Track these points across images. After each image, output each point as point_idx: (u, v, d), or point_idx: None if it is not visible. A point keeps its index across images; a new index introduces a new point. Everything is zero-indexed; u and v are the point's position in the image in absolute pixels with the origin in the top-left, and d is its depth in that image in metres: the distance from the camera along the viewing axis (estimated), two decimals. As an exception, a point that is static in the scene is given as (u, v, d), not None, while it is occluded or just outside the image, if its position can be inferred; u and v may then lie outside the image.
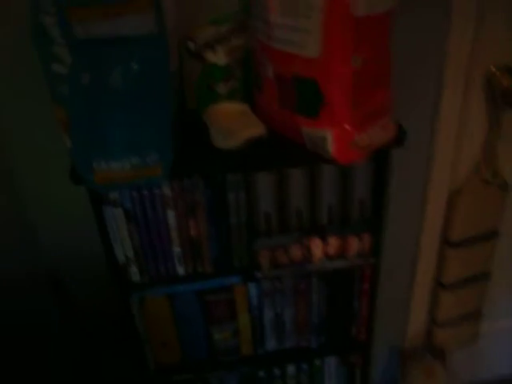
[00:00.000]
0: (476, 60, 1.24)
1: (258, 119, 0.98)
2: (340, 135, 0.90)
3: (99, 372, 1.48)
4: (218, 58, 1.02)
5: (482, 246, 1.50)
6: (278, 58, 0.90)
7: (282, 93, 0.93)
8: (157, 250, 1.13)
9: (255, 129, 0.95)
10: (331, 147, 0.91)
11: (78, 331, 1.44)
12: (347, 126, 0.88)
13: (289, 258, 1.12)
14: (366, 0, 0.80)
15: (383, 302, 1.37)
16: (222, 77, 1.04)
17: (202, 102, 1.05)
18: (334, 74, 0.85)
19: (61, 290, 1.41)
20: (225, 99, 1.05)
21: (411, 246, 1.54)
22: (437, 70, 1.22)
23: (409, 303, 1.64)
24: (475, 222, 1.44)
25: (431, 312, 1.66)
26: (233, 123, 0.95)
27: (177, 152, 0.94)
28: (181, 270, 1.17)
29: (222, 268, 1.17)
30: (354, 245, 1.12)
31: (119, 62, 0.82)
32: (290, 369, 1.41)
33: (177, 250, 1.13)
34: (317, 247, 1.11)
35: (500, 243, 1.53)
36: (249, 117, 0.97)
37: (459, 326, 1.66)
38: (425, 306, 1.64)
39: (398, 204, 1.42)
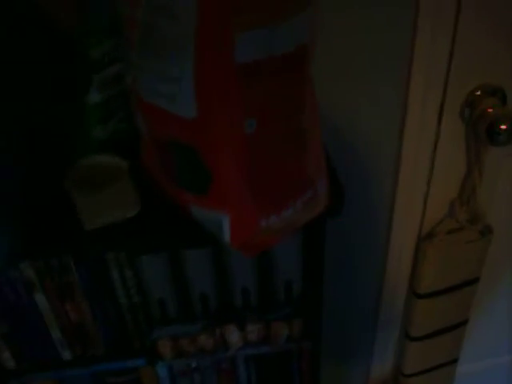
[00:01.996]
0: (454, 78, 0.96)
1: (135, 189, 0.73)
2: (238, 220, 0.61)
3: None
4: (90, 93, 0.73)
5: (457, 295, 1.22)
6: (149, 114, 0.61)
7: (162, 158, 0.65)
8: (31, 336, 0.91)
9: (124, 209, 0.67)
10: (229, 234, 0.63)
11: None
12: (246, 209, 0.60)
13: (197, 348, 0.85)
14: (258, 37, 0.50)
15: (345, 352, 1.20)
16: (98, 117, 0.78)
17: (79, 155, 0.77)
18: (218, 142, 0.56)
19: None
20: (107, 146, 0.79)
21: (373, 293, 1.30)
22: (401, 88, 0.92)
23: (372, 353, 1.38)
24: (448, 272, 1.18)
25: (398, 362, 1.40)
26: (99, 195, 0.69)
27: (20, 237, 0.70)
28: (66, 355, 0.94)
29: (120, 350, 0.94)
30: (282, 330, 0.85)
31: None
32: None
33: (56, 335, 0.90)
34: (232, 335, 0.84)
35: (480, 287, 1.26)
36: (122, 184, 0.68)
37: (430, 374, 1.40)
38: (390, 357, 1.38)
39: (356, 248, 1.18)
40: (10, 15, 0.67)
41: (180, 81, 0.55)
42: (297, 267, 0.83)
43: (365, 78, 0.92)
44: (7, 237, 0.68)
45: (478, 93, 0.98)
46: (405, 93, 0.95)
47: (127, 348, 0.93)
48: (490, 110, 0.96)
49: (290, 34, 0.54)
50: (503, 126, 0.94)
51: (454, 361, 1.43)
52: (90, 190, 0.70)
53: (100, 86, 0.75)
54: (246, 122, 0.56)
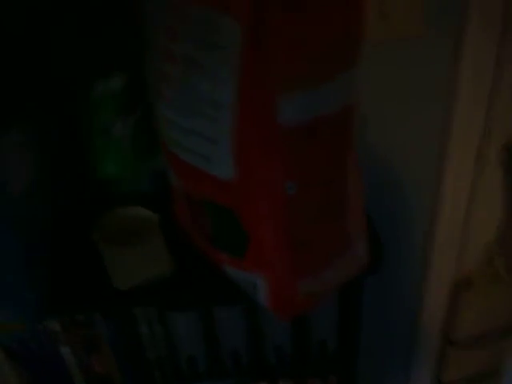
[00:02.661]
0: (494, 121, 0.92)
1: (167, 245, 0.69)
2: (275, 283, 0.58)
3: None
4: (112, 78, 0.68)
5: (494, 343, 1.17)
6: (182, 171, 0.58)
7: (195, 215, 0.62)
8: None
9: (157, 265, 0.68)
10: (265, 297, 0.60)
11: None
12: (284, 272, 0.57)
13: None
14: (301, 99, 0.47)
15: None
16: (118, 109, 0.70)
17: (96, 158, 0.74)
18: (257, 204, 0.53)
19: None
20: (127, 148, 0.73)
21: (406, 340, 1.24)
22: (440, 130, 0.89)
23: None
24: (485, 320, 1.12)
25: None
26: (129, 252, 0.67)
27: (43, 294, 0.67)
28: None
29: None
30: (317, 388, 0.81)
31: None
32: None
33: (82, 387, 0.85)
34: (266, 392, 0.80)
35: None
36: (153, 239, 0.66)
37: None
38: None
39: (390, 294, 1.13)
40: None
41: (218, 141, 0.53)
42: (332, 324, 0.79)
43: (403, 121, 0.89)
44: (35, 293, 0.66)
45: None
46: (444, 135, 0.92)
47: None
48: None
49: (334, 94, 0.51)
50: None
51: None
52: (119, 245, 0.67)
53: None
54: (287, 184, 0.53)
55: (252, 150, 0.52)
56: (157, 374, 0.85)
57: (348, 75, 0.52)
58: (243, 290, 0.65)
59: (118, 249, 0.67)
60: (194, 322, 0.78)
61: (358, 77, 0.53)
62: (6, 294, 0.61)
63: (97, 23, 0.64)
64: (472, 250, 1.08)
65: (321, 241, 0.59)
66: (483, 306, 1.12)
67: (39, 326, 0.78)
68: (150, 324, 0.79)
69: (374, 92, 0.79)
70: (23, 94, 0.64)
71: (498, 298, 1.11)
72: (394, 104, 0.85)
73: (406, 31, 0.78)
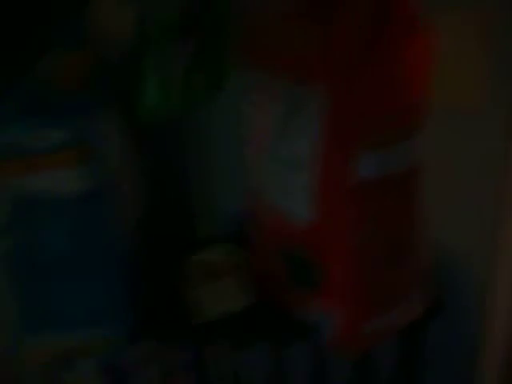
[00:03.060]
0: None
1: (243, 283, 0.77)
2: (343, 321, 0.66)
3: None
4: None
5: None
6: (264, 216, 0.68)
7: (272, 256, 0.71)
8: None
9: (232, 302, 0.74)
10: (331, 335, 0.67)
11: None
12: (352, 312, 0.65)
13: None
14: (373, 158, 0.56)
15: None
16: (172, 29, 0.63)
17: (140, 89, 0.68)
18: (331, 247, 0.62)
19: None
20: (175, 78, 0.69)
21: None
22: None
23: None
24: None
25: None
26: (208, 289, 0.75)
27: (137, 319, 0.74)
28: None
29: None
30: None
31: (50, 222, 0.65)
32: None
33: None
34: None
35: None
36: (231, 278, 0.75)
37: None
38: None
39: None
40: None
41: (301, 191, 0.62)
42: (394, 368, 0.85)
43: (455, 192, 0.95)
44: (131, 316, 0.74)
45: None
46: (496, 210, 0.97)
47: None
48: None
49: (403, 156, 0.60)
50: None
51: None
52: (200, 281, 0.76)
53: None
54: (359, 231, 0.61)
55: (329, 200, 0.60)
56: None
57: (412, 140, 0.61)
58: (311, 329, 0.73)
59: (198, 284, 0.76)
60: (261, 358, 0.85)
61: (420, 141, 0.62)
62: (107, 314, 0.70)
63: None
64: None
65: (387, 284, 0.66)
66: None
67: (127, 348, 0.87)
68: (220, 359, 0.86)
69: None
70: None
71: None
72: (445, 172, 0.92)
73: (465, 104, 0.86)
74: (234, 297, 0.75)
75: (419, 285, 0.71)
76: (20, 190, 0.61)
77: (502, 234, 0.96)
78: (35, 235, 0.66)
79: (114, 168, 0.64)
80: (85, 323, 0.72)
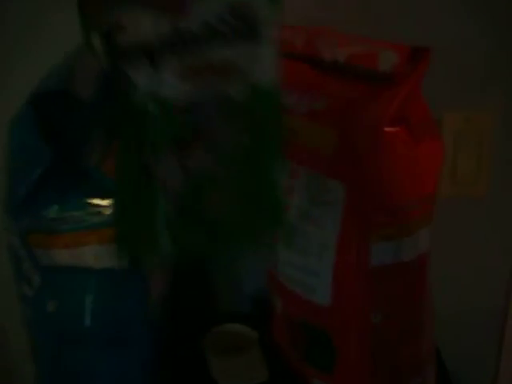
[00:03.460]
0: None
1: (263, 358, 0.82)
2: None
3: None
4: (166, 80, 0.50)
5: None
6: (285, 295, 0.73)
7: (291, 334, 0.75)
8: None
9: (254, 376, 0.78)
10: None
11: None
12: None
13: None
14: (387, 247, 0.62)
15: None
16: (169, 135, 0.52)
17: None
18: (348, 328, 0.66)
19: None
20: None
21: None
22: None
23: None
24: None
25: None
26: (230, 363, 0.79)
27: None
28: None
29: None
30: None
31: (86, 295, 0.68)
32: None
33: None
34: None
35: None
36: (252, 353, 0.79)
37: None
38: None
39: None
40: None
41: (319, 275, 0.67)
42: None
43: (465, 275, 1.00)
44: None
45: None
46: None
47: None
48: None
49: (414, 244, 0.66)
50: None
51: None
52: (222, 356, 0.81)
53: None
54: (373, 313, 0.66)
55: (347, 283, 0.66)
56: None
57: (426, 229, 0.67)
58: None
59: (221, 359, 0.81)
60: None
61: (430, 231, 0.68)
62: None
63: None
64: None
65: (398, 362, 0.71)
66: None
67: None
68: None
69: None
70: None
71: None
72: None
73: (472, 192, 0.93)
74: (251, 372, 0.79)
75: (429, 363, 0.75)
76: (64, 261, 0.66)
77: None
78: (70, 306, 0.71)
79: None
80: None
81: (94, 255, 0.66)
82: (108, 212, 0.64)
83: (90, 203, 0.64)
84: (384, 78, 0.60)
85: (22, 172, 0.64)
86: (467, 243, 0.96)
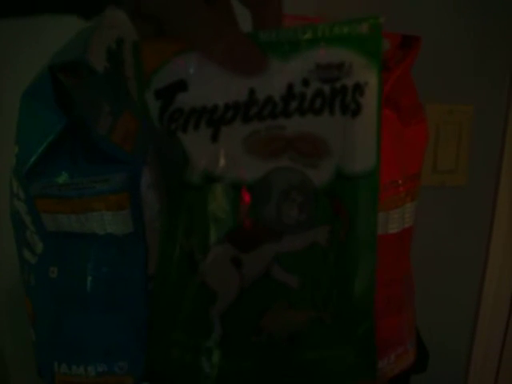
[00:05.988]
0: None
1: None
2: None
3: None
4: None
5: None
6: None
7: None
8: None
9: None
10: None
11: None
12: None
13: None
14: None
15: None
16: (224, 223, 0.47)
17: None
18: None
19: None
20: None
21: None
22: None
23: None
24: None
25: None
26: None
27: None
28: None
29: None
30: None
31: (89, 260, 0.71)
32: None
33: None
34: None
35: None
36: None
37: None
38: None
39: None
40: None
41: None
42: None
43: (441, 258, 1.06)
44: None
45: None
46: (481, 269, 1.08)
47: None
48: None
49: (400, 218, 0.71)
50: None
51: None
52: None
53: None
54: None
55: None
56: None
57: (410, 205, 0.72)
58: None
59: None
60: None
61: (415, 206, 0.73)
62: (130, 350, 0.76)
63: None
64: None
65: (381, 333, 0.76)
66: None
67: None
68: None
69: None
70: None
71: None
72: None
73: (451, 181, 0.99)
74: None
75: (409, 336, 0.80)
76: (70, 227, 0.70)
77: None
78: (72, 271, 0.74)
79: (152, 215, 0.74)
80: (107, 357, 0.77)
81: (100, 221, 0.69)
82: (115, 180, 0.67)
83: (98, 171, 0.67)
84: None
85: (33, 139, 0.67)
86: (445, 230, 1.02)
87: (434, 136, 0.94)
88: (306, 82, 0.40)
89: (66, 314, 0.76)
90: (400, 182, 0.70)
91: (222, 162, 0.40)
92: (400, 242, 0.73)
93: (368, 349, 0.50)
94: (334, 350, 0.45)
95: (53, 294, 0.75)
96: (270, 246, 0.41)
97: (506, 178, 0.99)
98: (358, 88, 0.42)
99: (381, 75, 0.44)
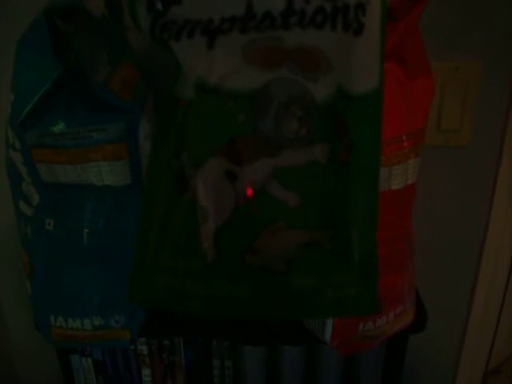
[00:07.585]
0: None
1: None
2: (341, 325, 0.73)
3: None
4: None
5: None
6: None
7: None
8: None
9: None
10: (330, 336, 0.74)
11: None
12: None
13: None
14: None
15: None
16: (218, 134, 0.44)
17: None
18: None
19: None
20: None
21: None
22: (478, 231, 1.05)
23: None
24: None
25: None
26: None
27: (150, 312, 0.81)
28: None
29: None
30: None
31: (85, 212, 0.70)
32: None
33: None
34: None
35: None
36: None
37: None
38: None
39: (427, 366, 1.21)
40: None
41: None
42: (378, 374, 0.93)
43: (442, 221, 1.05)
44: (141, 313, 0.81)
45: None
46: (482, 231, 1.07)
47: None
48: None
49: (403, 173, 0.70)
50: None
51: None
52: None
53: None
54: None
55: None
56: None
57: (413, 161, 0.71)
58: (310, 328, 0.81)
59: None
60: (260, 360, 0.93)
61: (419, 162, 0.72)
62: (122, 303, 0.75)
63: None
64: (503, 341, 1.21)
65: (384, 291, 0.75)
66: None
67: (131, 346, 0.94)
68: (223, 358, 0.93)
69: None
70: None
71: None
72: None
73: (456, 141, 0.97)
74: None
75: (409, 295, 0.79)
76: (67, 177, 0.68)
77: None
78: (68, 223, 0.73)
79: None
80: (103, 311, 0.77)
81: (97, 172, 0.68)
82: (113, 129, 0.66)
83: (95, 120, 0.66)
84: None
85: (30, 87, 0.65)
86: (449, 190, 1.00)
87: (439, 95, 0.92)
88: None
89: (62, 267, 0.75)
90: (404, 137, 0.69)
91: (219, 69, 0.38)
92: (402, 198, 0.72)
93: (369, 278, 0.50)
94: (332, 278, 0.45)
95: (49, 247, 0.74)
96: (267, 160, 0.39)
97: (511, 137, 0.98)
98: (361, 7, 0.42)
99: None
